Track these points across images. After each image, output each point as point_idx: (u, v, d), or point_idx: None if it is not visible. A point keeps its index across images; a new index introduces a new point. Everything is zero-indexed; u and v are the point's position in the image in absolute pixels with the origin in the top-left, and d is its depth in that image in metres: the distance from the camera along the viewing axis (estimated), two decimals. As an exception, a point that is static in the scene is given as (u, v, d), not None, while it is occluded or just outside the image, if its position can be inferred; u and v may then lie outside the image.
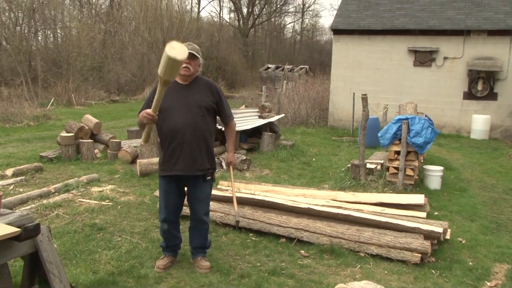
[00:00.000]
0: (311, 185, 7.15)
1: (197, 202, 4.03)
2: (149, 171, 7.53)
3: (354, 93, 13.37)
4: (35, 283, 3.25)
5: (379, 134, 7.09)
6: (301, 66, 29.94)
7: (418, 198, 5.45)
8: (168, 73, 3.37)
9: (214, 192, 5.56)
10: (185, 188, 4.06)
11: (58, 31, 26.17)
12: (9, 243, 2.84)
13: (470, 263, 4.35)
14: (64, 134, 8.76)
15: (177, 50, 3.29)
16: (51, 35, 27.15)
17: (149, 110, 3.60)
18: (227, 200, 5.43)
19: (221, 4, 53.92)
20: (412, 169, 6.80)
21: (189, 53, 3.75)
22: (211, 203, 5.14)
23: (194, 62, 3.86)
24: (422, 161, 7.70)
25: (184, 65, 3.78)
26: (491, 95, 13.42)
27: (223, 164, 8.15)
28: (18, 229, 2.77)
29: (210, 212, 5.00)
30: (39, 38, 25.26)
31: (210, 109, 3.95)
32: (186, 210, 4.55)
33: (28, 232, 2.84)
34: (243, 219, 5.04)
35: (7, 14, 22.10)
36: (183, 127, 3.80)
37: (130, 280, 3.84)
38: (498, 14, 13.47)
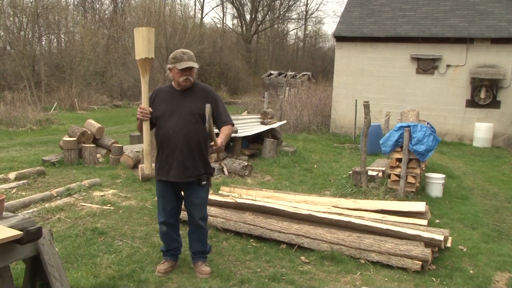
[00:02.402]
0: (312, 192, 7.15)
1: (193, 207, 4.05)
2: (150, 176, 7.54)
3: (356, 100, 13.39)
4: (37, 286, 3.25)
5: (380, 141, 7.10)
6: (304, 73, 29.98)
7: (419, 206, 5.45)
8: (141, 49, 3.73)
9: (215, 197, 5.59)
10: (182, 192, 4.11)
11: (62, 36, 26.34)
12: (11, 246, 2.85)
13: (471, 271, 4.34)
14: (66, 138, 8.79)
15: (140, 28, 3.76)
16: (55, 40, 27.35)
17: (141, 105, 3.78)
18: (228, 206, 5.45)
19: (224, 11, 54.40)
20: (414, 177, 6.79)
21: (189, 66, 3.80)
22: (211, 208, 5.16)
23: (193, 71, 3.87)
24: (423, 168, 7.70)
25: (184, 77, 3.82)
26: (494, 103, 13.41)
27: (225, 170, 8.16)
28: (20, 232, 2.79)
29: (211, 218, 5.02)
30: (43, 43, 25.45)
31: (205, 116, 3.91)
32: (185, 214, 4.55)
33: (30, 235, 2.85)
34: (243, 225, 5.05)
35: (11, 19, 22.26)
36: (176, 134, 3.84)
37: (130, 284, 3.84)
38: (501, 22, 13.50)
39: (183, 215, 4.45)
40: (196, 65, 3.84)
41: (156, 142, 4.01)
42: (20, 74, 21.64)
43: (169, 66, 3.89)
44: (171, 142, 3.85)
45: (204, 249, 4.18)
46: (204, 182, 4.01)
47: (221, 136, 3.98)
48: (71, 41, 24.50)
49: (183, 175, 3.89)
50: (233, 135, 8.84)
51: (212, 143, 3.86)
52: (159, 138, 3.95)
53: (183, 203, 4.18)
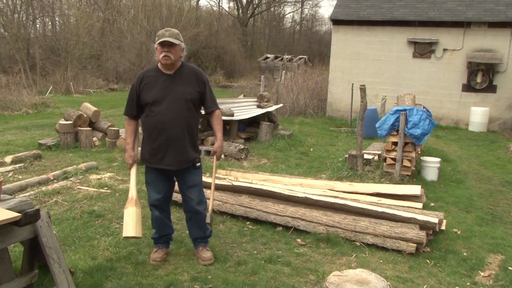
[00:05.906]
0: (308, 175, 7.18)
1: (189, 191, 3.93)
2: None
3: (352, 84, 13.37)
4: (35, 268, 3.28)
5: (377, 125, 7.12)
6: (300, 56, 29.85)
7: (415, 189, 5.49)
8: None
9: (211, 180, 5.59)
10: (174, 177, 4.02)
11: (57, 18, 26.01)
12: (9, 228, 2.87)
13: (465, 254, 4.40)
14: (62, 122, 8.76)
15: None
16: (50, 23, 27.00)
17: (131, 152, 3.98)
18: (225, 189, 5.47)
19: (221, -7, 53.52)
20: (409, 160, 6.83)
21: (167, 41, 3.65)
22: (208, 191, 5.12)
23: (174, 49, 3.70)
24: (419, 152, 7.74)
25: (163, 54, 3.68)
26: (490, 88, 13.42)
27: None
28: (19, 214, 2.80)
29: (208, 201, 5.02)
30: (37, 25, 25.14)
31: (196, 100, 3.86)
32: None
33: (28, 217, 2.87)
34: (240, 208, 5.08)
35: (5, 1, 21.96)
36: (170, 123, 3.72)
37: (128, 266, 3.88)
38: (498, 6, 13.43)
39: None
40: (176, 42, 3.67)
41: (145, 129, 3.86)
42: (15, 57, 21.41)
43: (155, 45, 3.77)
44: (165, 130, 3.73)
45: (203, 234, 4.08)
46: (198, 164, 3.94)
47: (218, 137, 4.00)
48: (66, 24, 24.22)
49: (179, 163, 3.81)
50: (229, 118, 8.83)
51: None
52: (150, 126, 3.80)
53: (174, 188, 4.10)
